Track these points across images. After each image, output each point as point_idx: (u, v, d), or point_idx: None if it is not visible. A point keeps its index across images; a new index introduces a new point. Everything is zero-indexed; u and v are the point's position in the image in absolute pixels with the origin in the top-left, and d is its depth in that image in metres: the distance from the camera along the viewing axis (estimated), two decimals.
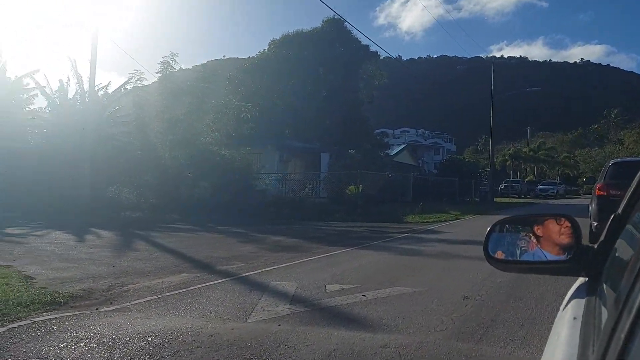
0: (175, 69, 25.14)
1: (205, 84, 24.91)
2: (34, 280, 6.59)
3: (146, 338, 3.96)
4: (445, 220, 20.46)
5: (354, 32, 45.18)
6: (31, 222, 16.81)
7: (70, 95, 25.96)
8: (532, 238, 1.62)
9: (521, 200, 43.69)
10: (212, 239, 12.83)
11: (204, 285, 6.59)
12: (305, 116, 37.51)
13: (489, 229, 1.72)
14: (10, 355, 3.61)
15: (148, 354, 3.62)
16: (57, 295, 5.63)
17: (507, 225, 1.76)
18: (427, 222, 19.93)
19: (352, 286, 6.49)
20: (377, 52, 44.86)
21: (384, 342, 3.95)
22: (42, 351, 3.68)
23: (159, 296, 5.84)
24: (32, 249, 9.95)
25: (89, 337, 4.01)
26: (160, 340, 3.90)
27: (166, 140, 24.62)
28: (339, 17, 39.86)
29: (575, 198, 51.75)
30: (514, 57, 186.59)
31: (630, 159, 21.63)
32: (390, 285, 6.54)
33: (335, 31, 40.63)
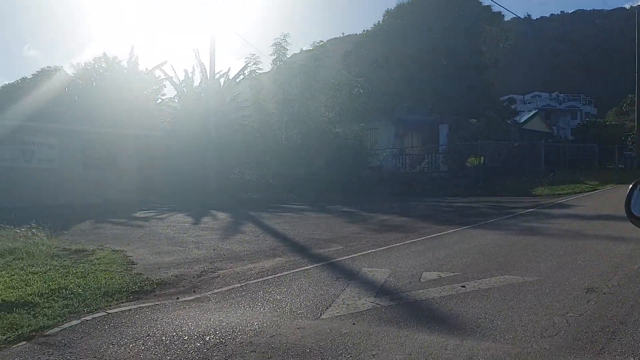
0: (287, 49, 25.27)
1: (317, 62, 24.69)
2: (135, 266, 6.73)
3: (204, 337, 3.67)
4: (580, 192, 18.35)
5: None
6: (162, 205, 17.97)
7: (195, 84, 27.42)
8: None
9: None
10: (318, 219, 12.60)
11: (293, 271, 6.25)
12: (423, 87, 35.99)
13: (631, 185, 1.50)
14: (70, 351, 3.51)
15: (199, 357, 3.30)
16: (146, 282, 5.63)
17: None
18: (558, 194, 18.03)
19: (453, 274, 5.73)
20: (500, 12, 41.60)
21: (470, 354, 3.24)
22: (101, 348, 3.54)
23: (243, 284, 5.60)
24: (149, 232, 10.44)
25: (150, 333, 3.81)
26: (217, 341, 3.58)
27: (282, 120, 25.00)
28: None
29: None
30: None
31: None
32: (498, 274, 5.67)
33: None
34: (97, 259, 7.01)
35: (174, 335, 3.74)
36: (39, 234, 8.65)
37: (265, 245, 8.49)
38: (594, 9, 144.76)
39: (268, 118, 25.32)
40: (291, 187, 23.64)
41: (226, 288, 5.44)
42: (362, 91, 24.99)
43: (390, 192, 21.90)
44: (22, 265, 6.35)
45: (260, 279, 5.83)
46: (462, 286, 5.14)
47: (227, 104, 26.94)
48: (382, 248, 7.90)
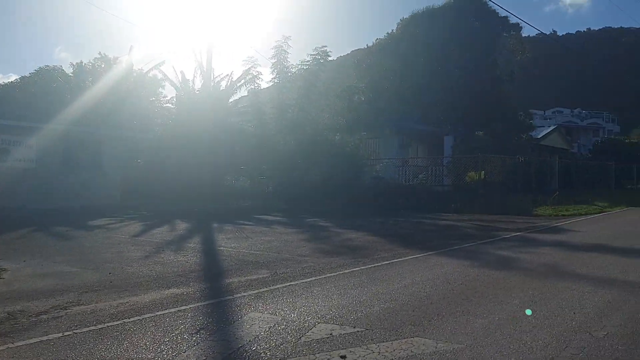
0: (288, 53, 23.81)
1: (317, 67, 23.17)
2: None
3: None
4: (585, 214, 16.39)
5: (496, 6, 39.90)
6: (135, 212, 16.74)
7: (196, 86, 26.17)
8: None
9: None
10: (279, 235, 11.02)
11: (160, 313, 4.73)
12: (435, 98, 34.08)
13: None
14: None
15: None
16: None
17: None
18: (561, 215, 16.14)
19: (353, 330, 4.14)
20: (518, 23, 39.46)
21: None
22: None
23: (62, 335, 4.12)
24: (73, 245, 9.12)
25: None
26: None
27: (279, 126, 23.58)
28: None
29: None
30: None
31: None
32: (409, 334, 4.05)
33: (469, 4, 36.33)
34: None
35: None
36: None
37: (180, 269, 7.01)
38: (621, 27, 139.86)
39: (266, 123, 23.95)
40: (285, 195, 22.16)
41: (31, 341, 3.95)
42: (363, 98, 23.45)
43: (384, 205, 20.22)
44: None
45: (96, 327, 4.30)
46: (341, 357, 3.55)
47: (227, 108, 25.67)
48: (307, 279, 6.34)
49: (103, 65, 24.55)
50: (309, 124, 23.13)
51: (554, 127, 51.12)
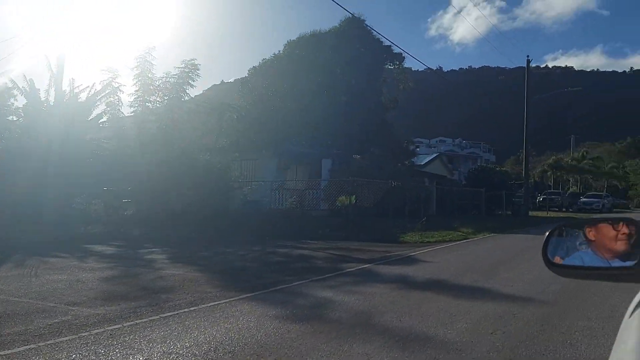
0: (153, 64, 21.38)
1: (182, 80, 21.01)
2: None
3: None
4: (449, 241, 15.72)
5: (381, 36, 40.30)
6: None
7: (50, 97, 22.84)
8: (593, 243, 1.43)
9: (561, 214, 37.61)
10: (79, 273, 8.65)
11: None
12: (319, 120, 33.22)
13: (547, 233, 1.52)
14: None
15: None
16: None
17: (567, 229, 1.57)
18: (426, 242, 15.32)
19: None
20: (400, 53, 40.01)
21: None
22: None
23: None
24: None
25: None
26: None
27: (140, 144, 21.01)
28: (358, 16, 35.84)
29: (624, 212, 45.06)
30: (559, 66, 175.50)
31: None
32: None
33: (354, 30, 36.18)
34: None
35: None
36: None
37: None
38: (498, 66, 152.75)
39: (127, 140, 21.27)
40: (145, 220, 19.57)
41: None
42: (235, 117, 21.70)
43: (253, 232, 18.39)
44: None
45: None
46: None
47: (85, 123, 22.62)
48: (15, 350, 4.28)
49: None
50: (175, 142, 20.84)
51: (435, 155, 52.88)
